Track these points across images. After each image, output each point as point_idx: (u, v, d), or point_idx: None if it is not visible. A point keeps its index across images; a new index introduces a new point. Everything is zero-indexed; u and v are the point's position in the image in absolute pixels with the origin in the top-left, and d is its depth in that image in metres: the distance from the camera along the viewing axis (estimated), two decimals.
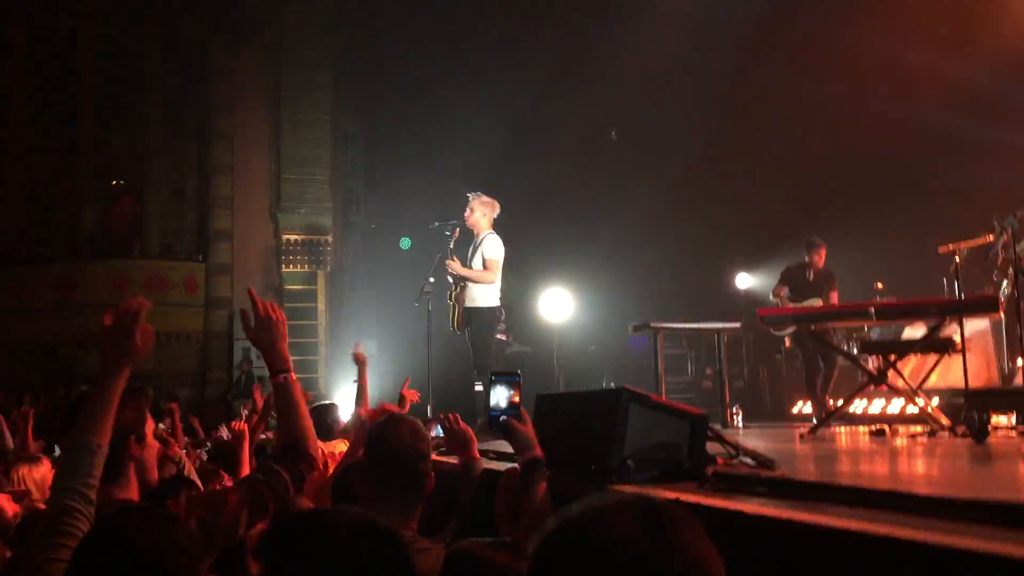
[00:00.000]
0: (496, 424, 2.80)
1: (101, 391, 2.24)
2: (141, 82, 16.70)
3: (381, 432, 2.82)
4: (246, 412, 6.39)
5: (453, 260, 7.47)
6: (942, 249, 6.34)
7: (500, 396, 2.79)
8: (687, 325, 9.82)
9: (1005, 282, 6.71)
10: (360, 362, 5.86)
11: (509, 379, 2.81)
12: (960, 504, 2.59)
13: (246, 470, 4.16)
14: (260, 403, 5.47)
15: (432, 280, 7.76)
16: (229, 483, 4.19)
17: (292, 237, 15.95)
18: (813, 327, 7.28)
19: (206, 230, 16.22)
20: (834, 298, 8.60)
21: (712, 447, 3.12)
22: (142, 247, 16.03)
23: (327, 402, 6.68)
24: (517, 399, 2.74)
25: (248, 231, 16.14)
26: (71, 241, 16.20)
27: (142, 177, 16.86)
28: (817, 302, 8.44)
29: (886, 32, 10.67)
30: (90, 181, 16.78)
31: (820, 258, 9.01)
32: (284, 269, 15.95)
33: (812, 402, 8.60)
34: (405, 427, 2.81)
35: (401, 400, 5.11)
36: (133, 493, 2.61)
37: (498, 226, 7.66)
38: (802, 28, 11.29)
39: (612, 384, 8.18)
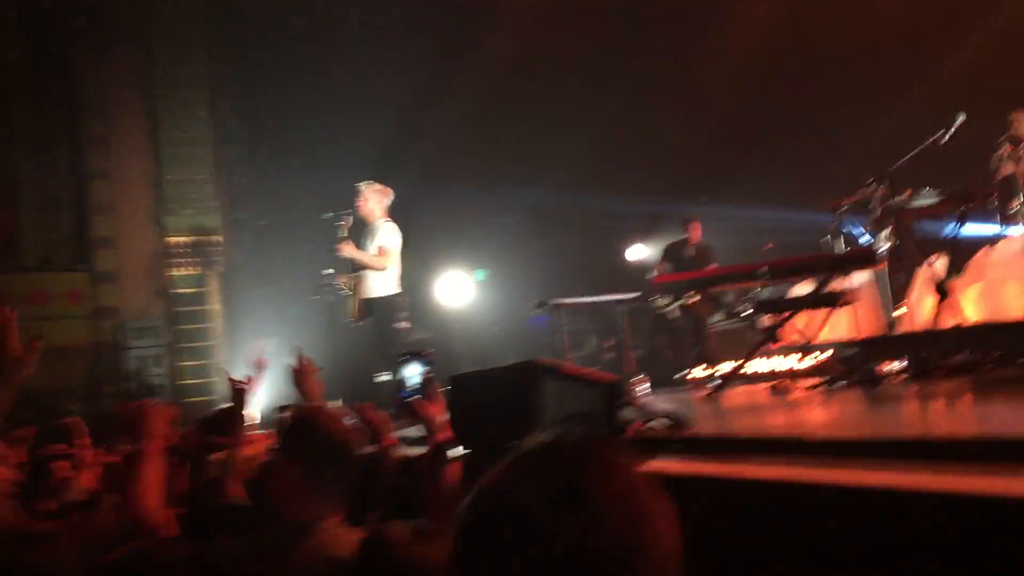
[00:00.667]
0: (403, 406, 2.74)
1: None
2: (6, 87, 15.89)
3: (309, 423, 2.74)
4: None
5: (345, 244, 7.42)
6: (825, 206, 6.58)
7: (409, 376, 2.76)
8: (586, 299, 9.99)
9: (883, 234, 7.00)
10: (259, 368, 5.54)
11: (418, 358, 2.77)
12: (859, 444, 2.72)
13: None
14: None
15: (330, 272, 7.69)
16: None
17: (179, 239, 15.47)
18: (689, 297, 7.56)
19: (87, 238, 15.56)
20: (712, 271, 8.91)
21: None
22: (19, 260, 15.28)
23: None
24: (430, 376, 2.71)
25: (132, 236, 15.56)
26: None
27: (14, 187, 16.06)
28: None
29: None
30: None
31: (696, 232, 9.37)
32: (173, 272, 15.47)
33: (705, 365, 8.91)
34: (330, 416, 2.73)
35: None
36: None
37: (393, 211, 7.64)
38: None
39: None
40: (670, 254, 9.51)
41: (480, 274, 12.88)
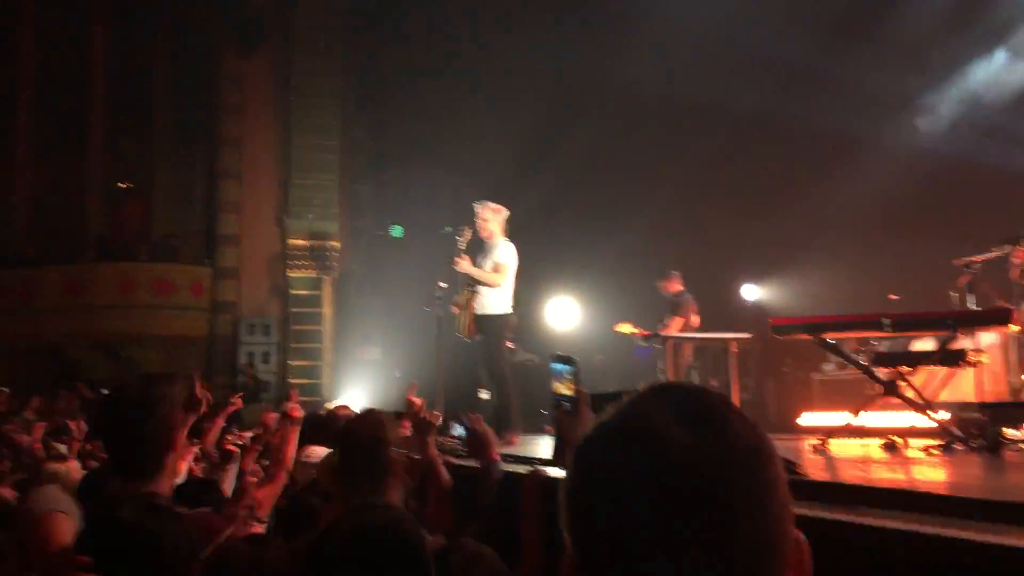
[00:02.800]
0: (564, 409, 2.71)
1: None
2: (150, 85, 16.72)
3: (348, 424, 3.10)
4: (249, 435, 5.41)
5: (462, 258, 7.43)
6: (956, 261, 6.35)
7: (560, 381, 2.75)
8: (696, 335, 9.85)
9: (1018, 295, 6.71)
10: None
11: (570, 365, 2.74)
12: (974, 504, 2.62)
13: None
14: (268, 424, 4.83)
15: (444, 286, 7.74)
16: None
17: (299, 242, 15.94)
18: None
19: (213, 234, 16.19)
20: (672, 324, 9.97)
21: None
22: (149, 250, 15.98)
23: (339, 404, 6.69)
24: (581, 390, 2.69)
25: (255, 236, 16.13)
26: (78, 243, 16.16)
27: (150, 180, 16.87)
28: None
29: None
30: (98, 183, 16.78)
31: (663, 287, 10.54)
32: (290, 274, 15.94)
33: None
34: (367, 418, 3.07)
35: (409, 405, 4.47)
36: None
37: (508, 233, 7.67)
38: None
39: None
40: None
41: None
